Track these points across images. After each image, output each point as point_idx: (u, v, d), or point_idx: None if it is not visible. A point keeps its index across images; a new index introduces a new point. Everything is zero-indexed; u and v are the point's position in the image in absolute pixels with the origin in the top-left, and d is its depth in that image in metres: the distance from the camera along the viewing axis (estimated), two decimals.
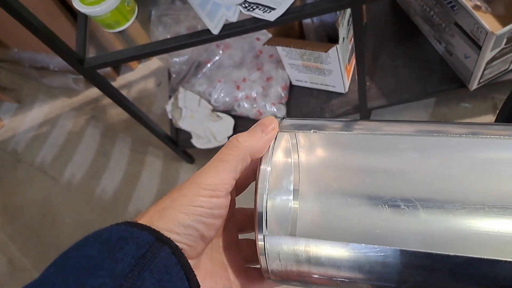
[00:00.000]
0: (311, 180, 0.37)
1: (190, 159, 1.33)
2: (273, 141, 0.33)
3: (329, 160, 0.38)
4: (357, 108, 1.16)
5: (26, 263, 1.35)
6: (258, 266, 0.32)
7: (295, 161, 0.38)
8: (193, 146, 1.22)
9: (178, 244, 0.27)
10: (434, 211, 0.34)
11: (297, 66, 1.12)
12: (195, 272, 0.27)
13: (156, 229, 0.27)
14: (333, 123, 0.35)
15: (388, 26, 1.24)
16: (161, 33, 1.14)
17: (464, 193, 0.34)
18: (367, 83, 1.17)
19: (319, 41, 1.13)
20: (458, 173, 0.35)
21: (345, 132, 0.33)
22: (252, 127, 0.33)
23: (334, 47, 0.99)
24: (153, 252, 0.25)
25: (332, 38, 1.10)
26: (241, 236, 0.38)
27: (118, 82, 1.52)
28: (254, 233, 0.32)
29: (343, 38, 1.02)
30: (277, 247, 0.30)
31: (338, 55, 1.02)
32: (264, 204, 0.31)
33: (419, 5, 1.13)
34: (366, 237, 0.35)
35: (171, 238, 0.27)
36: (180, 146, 1.24)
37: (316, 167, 0.38)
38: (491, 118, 1.19)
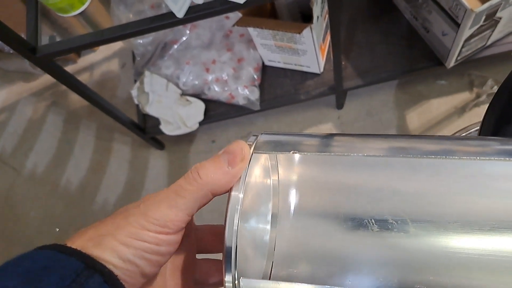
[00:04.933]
0: (292, 204, 0.33)
1: (159, 145, 1.27)
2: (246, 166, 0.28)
3: (311, 181, 0.33)
4: (333, 89, 1.12)
5: None
6: None
7: (275, 183, 0.33)
8: (162, 133, 1.15)
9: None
10: (419, 232, 0.30)
11: (270, 46, 1.06)
12: None
13: (87, 254, 0.23)
14: (313, 139, 0.31)
15: (363, 1, 1.18)
16: (122, 12, 1.05)
17: (443, 212, 0.31)
18: (343, 63, 1.13)
19: (292, 18, 1.07)
20: (433, 192, 0.31)
21: (327, 153, 0.29)
22: (218, 155, 0.28)
23: (308, 27, 0.93)
24: (80, 282, 0.21)
25: (306, 15, 1.04)
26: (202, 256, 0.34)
27: (79, 64, 1.42)
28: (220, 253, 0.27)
29: (317, 17, 0.96)
30: None
31: (312, 35, 0.96)
32: (234, 239, 0.26)
33: None
34: (348, 266, 0.32)
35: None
36: (148, 133, 1.18)
37: (297, 189, 0.33)
38: (467, 95, 1.17)
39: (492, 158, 0.26)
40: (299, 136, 0.31)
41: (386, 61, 1.11)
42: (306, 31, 0.94)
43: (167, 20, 0.75)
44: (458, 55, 1.02)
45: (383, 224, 0.31)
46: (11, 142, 1.42)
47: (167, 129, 1.15)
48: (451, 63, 1.05)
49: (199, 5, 0.74)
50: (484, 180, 0.30)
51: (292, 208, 0.33)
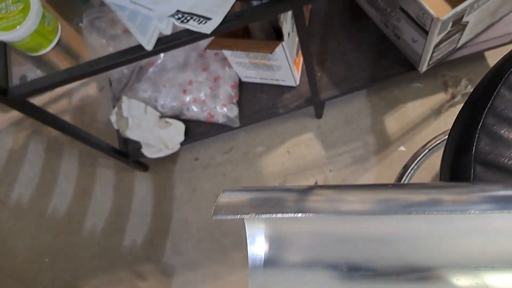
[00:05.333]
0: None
1: (143, 167, 1.27)
2: None
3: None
4: (310, 101, 1.13)
5: None
6: None
7: None
8: (144, 156, 1.16)
9: None
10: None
11: (244, 64, 1.07)
12: None
13: None
14: (284, 194, 0.31)
15: (334, 11, 1.20)
16: (95, 40, 1.05)
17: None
18: (318, 74, 1.14)
19: (266, 35, 1.07)
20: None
21: (299, 215, 0.30)
22: None
23: (280, 45, 0.94)
24: None
25: (279, 30, 1.05)
26: None
27: (56, 91, 1.42)
28: None
29: (289, 33, 0.97)
30: None
31: (285, 51, 0.97)
32: None
33: None
34: None
35: None
36: (131, 157, 1.18)
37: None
38: (442, 96, 1.19)
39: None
40: (269, 191, 0.32)
41: (360, 69, 1.13)
42: (278, 49, 0.95)
43: (137, 54, 0.75)
44: (430, 59, 1.04)
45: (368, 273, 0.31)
46: None
47: (149, 152, 1.15)
48: (423, 67, 1.07)
49: (167, 36, 0.75)
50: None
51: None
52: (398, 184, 0.31)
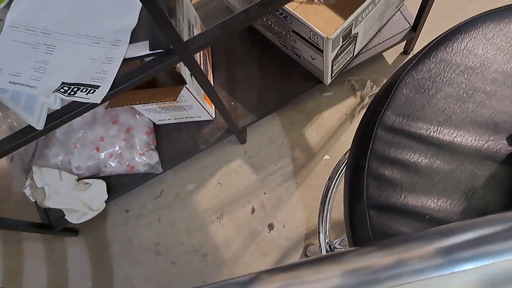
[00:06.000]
0: None
1: (73, 232, 1.20)
2: None
3: None
4: (229, 131, 1.13)
5: None
6: None
7: None
8: (69, 222, 1.10)
9: None
10: None
11: (154, 109, 1.04)
12: None
13: None
14: None
15: (235, 40, 1.20)
16: None
17: None
18: (232, 103, 1.14)
19: (171, 76, 1.06)
20: None
21: None
22: None
23: (184, 89, 0.93)
24: None
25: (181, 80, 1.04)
26: None
27: None
28: None
29: (191, 75, 0.96)
30: None
31: (191, 92, 0.96)
32: None
33: None
34: None
35: None
36: (55, 227, 1.11)
37: None
38: (353, 100, 1.24)
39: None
40: None
41: (272, 92, 1.14)
42: (184, 92, 0.94)
43: (28, 135, 0.71)
44: (332, 72, 1.07)
45: None
46: None
47: (73, 218, 1.09)
48: (328, 80, 1.10)
49: (58, 110, 0.71)
50: None
51: None
52: (342, 252, 0.29)
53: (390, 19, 1.14)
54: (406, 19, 1.13)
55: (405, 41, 1.16)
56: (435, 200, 0.42)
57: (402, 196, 0.42)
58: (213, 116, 1.14)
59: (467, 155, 0.44)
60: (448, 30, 0.51)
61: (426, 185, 0.43)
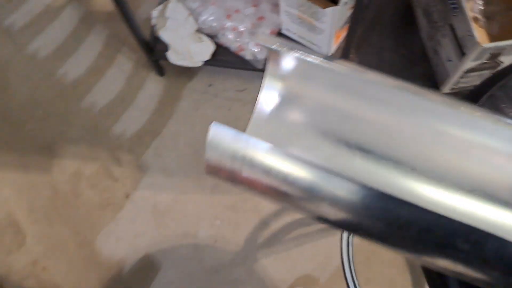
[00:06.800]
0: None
1: (160, 71, 1.32)
2: None
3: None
4: None
5: None
6: None
7: None
8: (167, 59, 1.20)
9: None
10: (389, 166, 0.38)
11: (292, 15, 1.12)
12: None
13: None
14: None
15: (388, 9, 1.24)
16: None
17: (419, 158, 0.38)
18: (351, 55, 1.19)
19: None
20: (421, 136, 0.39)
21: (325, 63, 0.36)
22: None
23: (332, 8, 0.99)
24: None
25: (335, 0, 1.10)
26: None
27: None
28: None
29: (345, 3, 1.02)
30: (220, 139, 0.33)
31: (333, 16, 1.02)
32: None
33: None
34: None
35: None
36: (155, 55, 1.23)
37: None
38: None
39: None
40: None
41: (389, 69, 1.18)
42: (329, 10, 1.00)
43: None
44: (455, 83, 1.09)
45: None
46: (23, 20, 1.45)
47: (174, 57, 1.20)
48: (446, 89, 1.13)
49: None
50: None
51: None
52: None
53: None
54: None
55: None
56: None
57: None
58: (329, 54, 1.19)
59: None
60: None
61: None
